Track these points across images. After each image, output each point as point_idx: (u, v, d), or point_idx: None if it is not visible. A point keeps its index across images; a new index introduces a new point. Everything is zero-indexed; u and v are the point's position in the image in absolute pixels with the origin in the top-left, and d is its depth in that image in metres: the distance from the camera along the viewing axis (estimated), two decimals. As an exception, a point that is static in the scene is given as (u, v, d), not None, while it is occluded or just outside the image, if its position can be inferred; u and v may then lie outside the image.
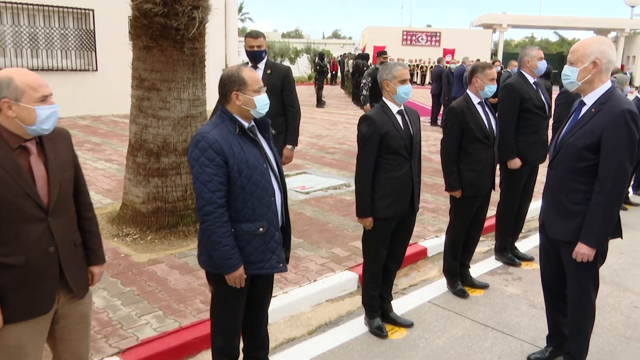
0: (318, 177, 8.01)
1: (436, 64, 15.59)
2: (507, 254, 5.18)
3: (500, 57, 39.00)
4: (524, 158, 4.78)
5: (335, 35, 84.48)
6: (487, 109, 4.19)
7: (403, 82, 3.45)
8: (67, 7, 13.12)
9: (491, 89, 4.04)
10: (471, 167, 4.11)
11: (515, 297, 4.42)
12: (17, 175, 2.08)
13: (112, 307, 3.83)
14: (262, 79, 4.12)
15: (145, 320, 3.66)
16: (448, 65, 13.91)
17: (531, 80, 4.75)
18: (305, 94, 24.09)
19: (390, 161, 3.47)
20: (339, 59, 32.83)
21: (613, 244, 3.17)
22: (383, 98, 3.55)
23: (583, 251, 2.87)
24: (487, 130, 4.11)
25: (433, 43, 39.85)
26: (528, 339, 3.73)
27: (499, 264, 5.16)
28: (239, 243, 2.65)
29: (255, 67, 4.75)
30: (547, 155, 3.21)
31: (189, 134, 5.17)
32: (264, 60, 4.88)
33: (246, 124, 2.67)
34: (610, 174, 2.77)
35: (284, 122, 4.94)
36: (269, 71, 4.77)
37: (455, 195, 4.20)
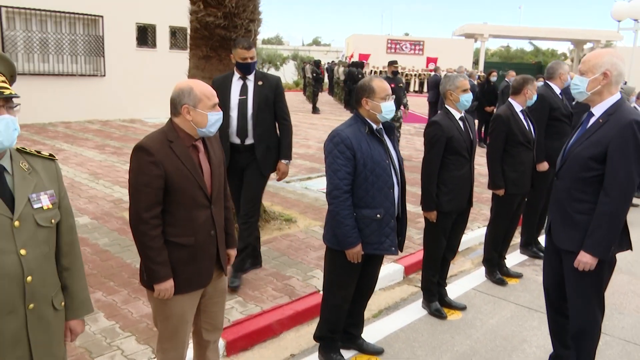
0: (339, 179, 8.43)
1: (433, 73, 16.19)
2: (532, 247, 5.70)
3: (481, 65, 40.11)
4: (551, 161, 5.30)
5: (316, 42, 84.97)
6: (526, 116, 4.70)
7: (464, 91, 3.94)
8: (77, 13, 13.38)
9: (534, 99, 4.59)
10: (514, 168, 4.61)
11: (548, 285, 4.92)
12: (192, 169, 2.48)
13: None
14: (254, 92, 4.35)
15: (230, 305, 4.05)
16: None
17: (557, 90, 5.29)
18: (294, 100, 24.54)
19: (453, 161, 3.95)
20: (327, 66, 33.45)
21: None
22: (446, 106, 4.03)
23: (585, 260, 2.84)
24: (528, 135, 4.62)
25: (417, 51, 40.75)
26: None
27: (525, 257, 5.67)
28: (359, 225, 3.12)
29: (244, 79, 4.42)
30: None
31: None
32: (254, 71, 4.52)
33: (375, 126, 3.14)
34: (616, 184, 2.76)
35: (276, 135, 4.58)
36: (260, 82, 4.42)
37: (499, 194, 4.69)
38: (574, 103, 7.27)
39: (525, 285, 4.89)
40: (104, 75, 14.06)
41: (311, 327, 3.98)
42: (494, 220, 4.87)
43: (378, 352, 3.64)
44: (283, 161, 4.58)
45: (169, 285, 2.45)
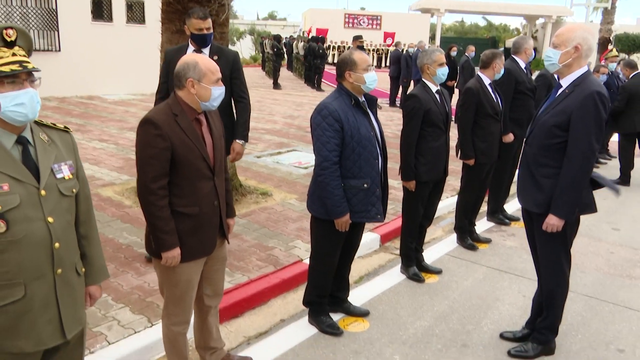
0: (308, 153, 8.57)
1: (394, 48, 16.39)
2: (499, 215, 6.02)
3: (437, 40, 40.66)
4: (515, 132, 5.58)
5: (271, 16, 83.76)
6: (494, 89, 4.94)
7: (441, 65, 4.12)
8: (28, -15, 12.84)
9: (502, 72, 4.82)
10: (484, 139, 4.86)
11: (515, 248, 5.24)
12: (196, 141, 2.57)
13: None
14: None
15: (218, 275, 4.16)
16: (411, 48, 14.70)
17: (522, 65, 5.55)
18: (254, 75, 24.37)
19: (430, 133, 4.14)
20: (285, 41, 33.17)
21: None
22: (423, 79, 4.20)
23: (552, 222, 3.05)
24: (497, 107, 4.86)
25: (374, 26, 40.85)
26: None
27: (492, 224, 5.98)
28: (347, 195, 3.27)
29: (199, 51, 4.18)
30: None
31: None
32: (209, 45, 4.29)
33: (360, 98, 3.27)
34: (578, 151, 2.95)
35: (232, 113, 4.40)
36: (215, 57, 4.05)
37: (469, 163, 4.94)
38: (539, 73, 7.62)
39: (495, 250, 5.20)
40: (59, 51, 13.61)
41: (297, 294, 4.16)
42: (464, 189, 5.13)
43: (364, 314, 3.85)
44: (238, 141, 4.33)
45: (176, 253, 2.55)
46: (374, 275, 4.60)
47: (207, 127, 2.67)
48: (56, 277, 1.94)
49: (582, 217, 3.25)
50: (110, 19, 14.81)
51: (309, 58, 20.30)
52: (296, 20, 51.34)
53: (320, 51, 19.94)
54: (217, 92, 2.58)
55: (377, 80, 3.35)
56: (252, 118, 12.16)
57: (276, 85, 19.67)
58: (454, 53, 13.23)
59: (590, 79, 3.05)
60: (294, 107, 14.47)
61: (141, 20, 15.34)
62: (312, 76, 20.36)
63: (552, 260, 3.23)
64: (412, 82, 14.45)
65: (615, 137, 9.21)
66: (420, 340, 3.58)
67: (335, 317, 3.78)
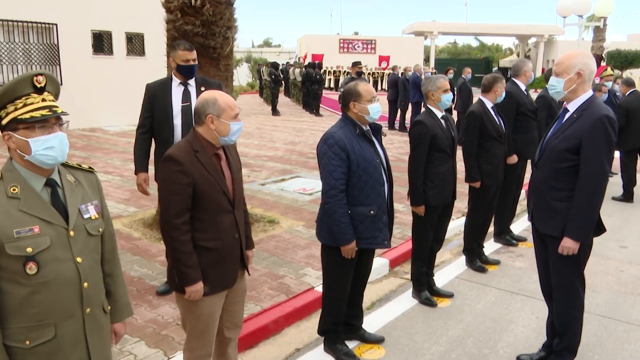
0: (312, 180, 8.62)
1: (391, 71, 16.59)
2: (505, 236, 6.05)
3: (432, 62, 41.11)
4: (519, 154, 5.65)
5: (267, 43, 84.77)
6: (497, 112, 5.02)
7: (445, 91, 4.20)
8: (29, 22, 13.03)
9: (503, 95, 4.90)
10: (489, 161, 4.92)
11: (524, 269, 5.26)
12: (217, 176, 2.62)
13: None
14: (196, 97, 4.05)
15: (231, 306, 4.17)
16: (406, 73, 14.89)
17: (523, 87, 5.65)
18: (252, 102, 24.61)
19: (437, 158, 4.19)
20: (282, 67, 33.52)
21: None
22: (428, 105, 4.27)
23: (568, 245, 3.08)
24: (500, 129, 4.93)
25: (369, 50, 41.34)
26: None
27: (499, 245, 6.01)
28: (354, 222, 3.31)
29: (185, 84, 4.24)
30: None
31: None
32: (194, 76, 4.31)
33: (364, 127, 3.33)
34: (590, 174, 3.00)
35: None
36: (202, 88, 4.14)
37: (475, 186, 4.98)
38: (539, 94, 7.73)
39: (504, 271, 5.21)
40: (61, 84, 13.64)
41: (310, 322, 4.16)
42: (472, 212, 5.17)
43: (379, 340, 3.85)
44: None
45: (199, 287, 2.58)
46: (385, 300, 4.61)
47: (225, 162, 2.72)
48: (85, 316, 1.96)
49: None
50: (110, 52, 15.00)
51: (307, 84, 20.55)
52: (291, 46, 51.90)
53: (318, 77, 20.20)
54: (236, 127, 2.64)
55: (380, 111, 3.44)
56: (254, 145, 12.23)
57: (275, 112, 19.84)
58: (450, 76, 13.38)
59: (596, 102, 3.13)
60: (294, 133, 14.57)
61: (141, 52, 15.54)
62: (310, 101, 20.57)
63: (567, 283, 3.25)
64: (410, 105, 14.61)
65: (616, 154, 9.29)
66: (437, 365, 3.58)
67: (351, 344, 3.77)
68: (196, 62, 4.24)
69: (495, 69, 43.53)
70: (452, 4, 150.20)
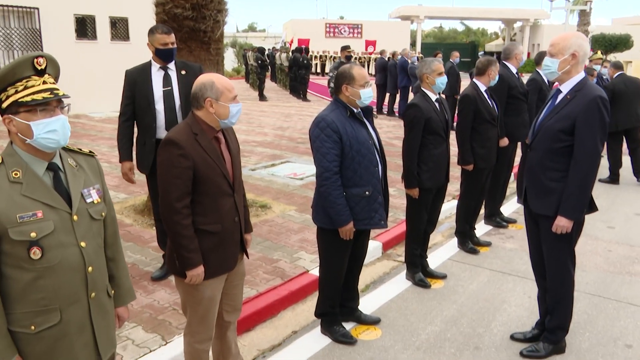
0: (302, 164, 8.62)
1: (379, 56, 16.54)
2: (496, 218, 6.11)
3: (418, 46, 41.10)
4: (510, 136, 5.69)
5: (251, 28, 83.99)
6: (490, 95, 5.04)
7: (440, 74, 4.20)
8: (10, 6, 12.76)
9: (497, 79, 4.93)
10: (482, 144, 4.95)
11: (515, 250, 5.33)
12: (217, 159, 2.61)
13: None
14: (179, 81, 4.11)
15: (227, 290, 4.18)
16: (395, 57, 14.85)
17: (514, 70, 5.67)
18: (238, 88, 23.92)
19: (432, 141, 4.21)
20: (268, 52, 33.26)
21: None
22: (422, 88, 4.28)
23: (562, 224, 3.14)
24: (493, 112, 4.96)
25: (355, 35, 41.19)
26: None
27: (489, 227, 6.07)
28: (349, 203, 3.33)
29: (165, 68, 4.18)
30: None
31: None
32: (173, 60, 4.22)
33: (355, 110, 3.34)
34: (584, 153, 3.05)
35: None
36: (183, 72, 4.16)
37: (468, 169, 5.02)
38: (530, 77, 7.77)
39: (495, 253, 5.28)
40: (45, 70, 13.49)
41: (306, 305, 4.20)
42: (464, 195, 5.21)
43: (375, 321, 3.89)
44: None
45: (200, 270, 2.58)
46: (380, 283, 4.65)
47: (225, 145, 2.71)
48: (90, 300, 1.96)
49: (581, 217, 3.31)
50: (94, 37, 14.76)
51: (294, 69, 20.42)
52: (277, 31, 51.47)
53: (305, 62, 20.07)
54: (235, 109, 2.62)
55: (372, 96, 3.44)
56: (242, 131, 12.15)
57: (262, 97, 19.72)
58: (439, 59, 13.37)
59: (589, 84, 3.17)
60: (282, 118, 14.52)
61: (125, 37, 15.31)
62: (297, 87, 20.46)
63: (559, 261, 3.31)
64: (399, 90, 14.61)
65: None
66: (433, 345, 3.63)
67: (347, 326, 3.81)
68: (174, 46, 4.18)
69: (481, 52, 43.64)
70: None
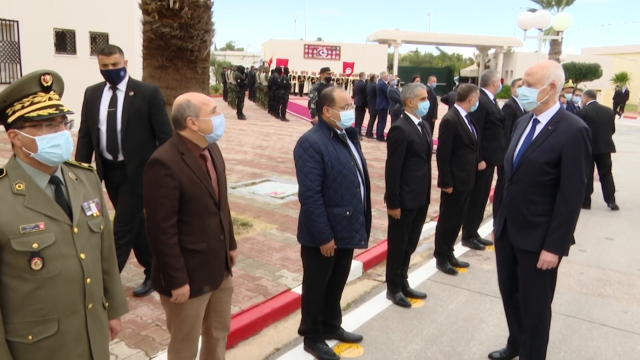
0: (282, 183, 8.69)
1: (358, 78, 16.80)
2: (473, 239, 6.26)
3: (395, 69, 41.77)
4: (487, 160, 5.87)
5: (229, 46, 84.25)
6: (470, 121, 5.21)
7: (422, 99, 4.35)
8: (-11, 18, 12.66)
9: (477, 105, 5.11)
10: (462, 168, 5.10)
11: (492, 271, 5.44)
12: (203, 178, 2.65)
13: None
14: (124, 103, 4.06)
15: (210, 307, 4.19)
16: (374, 80, 15.09)
17: (491, 97, 5.88)
18: (217, 106, 24.35)
19: (414, 163, 4.34)
20: (247, 71, 33.39)
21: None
22: (406, 112, 4.41)
23: (549, 259, 3.05)
24: (472, 137, 5.13)
25: (334, 56, 41.66)
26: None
27: (467, 248, 6.21)
28: (331, 222, 3.42)
29: (115, 89, 4.13)
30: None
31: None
32: (125, 80, 4.15)
33: (338, 131, 3.45)
34: (572, 187, 2.99)
35: (153, 151, 4.19)
36: (131, 93, 4.11)
37: (448, 191, 5.16)
38: (505, 103, 7.99)
39: (473, 274, 5.40)
40: (22, 83, 13.35)
41: (288, 322, 4.24)
42: (443, 216, 5.34)
43: (357, 339, 3.95)
44: None
45: (186, 290, 2.60)
46: (360, 302, 4.71)
47: (211, 163, 2.76)
48: (87, 312, 1.99)
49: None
50: (73, 51, 14.70)
51: (273, 88, 20.59)
52: (255, 50, 51.91)
53: (285, 82, 20.26)
54: (218, 121, 2.66)
55: (353, 118, 3.54)
56: (222, 149, 12.20)
57: (241, 116, 19.78)
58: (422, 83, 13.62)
59: (568, 114, 3.14)
60: (261, 137, 14.59)
61: (105, 52, 15.25)
62: (276, 106, 20.61)
63: (540, 295, 3.23)
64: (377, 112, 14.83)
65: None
66: (414, 363, 3.70)
67: (330, 343, 3.85)
68: (117, 66, 4.08)
69: (456, 77, 44.61)
70: (415, 13, 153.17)
